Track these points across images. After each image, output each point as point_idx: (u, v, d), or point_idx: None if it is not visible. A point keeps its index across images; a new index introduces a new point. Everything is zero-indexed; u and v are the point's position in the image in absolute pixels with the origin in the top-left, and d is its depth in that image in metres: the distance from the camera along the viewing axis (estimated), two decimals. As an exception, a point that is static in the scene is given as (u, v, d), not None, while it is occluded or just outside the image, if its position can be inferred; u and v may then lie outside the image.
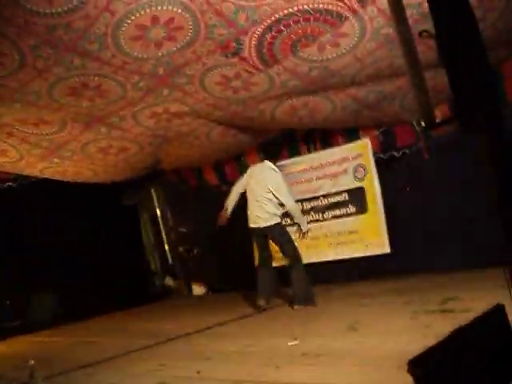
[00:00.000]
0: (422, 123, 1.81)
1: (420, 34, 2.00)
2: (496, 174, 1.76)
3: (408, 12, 3.68)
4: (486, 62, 1.67)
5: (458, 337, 1.72)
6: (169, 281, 9.79)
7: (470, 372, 1.65)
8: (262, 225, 5.79)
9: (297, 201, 7.58)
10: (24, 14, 3.56)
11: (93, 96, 5.03)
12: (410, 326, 3.97)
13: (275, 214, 5.80)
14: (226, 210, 6.03)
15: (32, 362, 4.04)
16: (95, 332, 6.80)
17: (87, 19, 3.75)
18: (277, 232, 5.83)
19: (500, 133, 1.74)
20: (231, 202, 6.06)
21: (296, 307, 5.60)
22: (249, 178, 6.03)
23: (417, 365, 1.64)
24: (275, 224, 5.80)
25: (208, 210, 9.13)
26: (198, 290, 9.16)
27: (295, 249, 5.80)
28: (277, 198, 5.74)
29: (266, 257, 6.00)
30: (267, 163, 5.96)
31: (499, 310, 1.82)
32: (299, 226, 5.92)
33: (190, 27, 4.08)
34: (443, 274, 6.08)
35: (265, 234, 5.85)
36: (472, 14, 1.67)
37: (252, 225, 5.90)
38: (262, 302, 5.82)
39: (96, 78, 4.68)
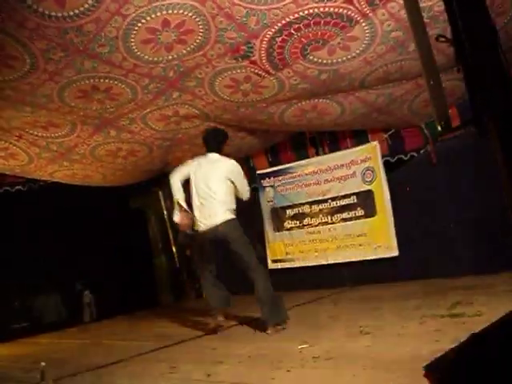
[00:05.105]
0: (438, 127, 1.81)
1: (437, 38, 2.00)
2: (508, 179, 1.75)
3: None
4: (503, 66, 1.66)
5: (475, 343, 1.71)
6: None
7: (487, 378, 1.63)
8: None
9: (305, 203, 7.64)
10: (36, 17, 3.58)
11: (103, 99, 5.05)
12: (420, 330, 3.97)
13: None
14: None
15: (43, 363, 4.06)
16: (105, 334, 6.80)
17: (98, 22, 3.76)
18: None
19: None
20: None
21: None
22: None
23: (434, 369, 1.63)
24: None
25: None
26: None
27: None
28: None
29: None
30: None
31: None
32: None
33: (201, 31, 4.09)
34: (452, 279, 6.05)
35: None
36: (489, 16, 1.67)
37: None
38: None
39: (106, 81, 4.70)
